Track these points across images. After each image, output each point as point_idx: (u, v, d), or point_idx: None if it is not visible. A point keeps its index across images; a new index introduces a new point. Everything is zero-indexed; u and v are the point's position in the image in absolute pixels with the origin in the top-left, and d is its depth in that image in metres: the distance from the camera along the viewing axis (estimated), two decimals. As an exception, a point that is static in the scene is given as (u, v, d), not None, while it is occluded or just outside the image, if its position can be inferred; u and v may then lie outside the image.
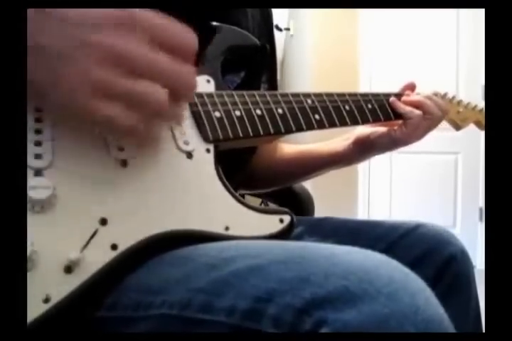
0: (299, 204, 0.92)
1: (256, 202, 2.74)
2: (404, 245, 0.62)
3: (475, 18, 2.66)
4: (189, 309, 0.33)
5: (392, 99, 0.67)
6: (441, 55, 2.78)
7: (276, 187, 0.82)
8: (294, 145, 0.76)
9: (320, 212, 0.97)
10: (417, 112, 0.66)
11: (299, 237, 0.66)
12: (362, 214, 2.75)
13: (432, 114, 0.67)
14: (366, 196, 2.77)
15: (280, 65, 3.07)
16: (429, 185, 2.75)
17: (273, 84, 0.74)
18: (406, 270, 0.33)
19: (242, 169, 0.69)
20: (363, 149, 0.69)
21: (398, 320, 0.28)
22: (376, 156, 0.73)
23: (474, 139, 2.62)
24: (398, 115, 0.67)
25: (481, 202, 2.76)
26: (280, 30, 2.90)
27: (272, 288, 0.31)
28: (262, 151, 0.75)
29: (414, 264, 0.60)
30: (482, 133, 0.79)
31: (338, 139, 0.72)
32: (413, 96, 0.68)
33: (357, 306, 0.28)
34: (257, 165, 0.74)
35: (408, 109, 0.66)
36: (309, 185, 0.95)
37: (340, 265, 0.31)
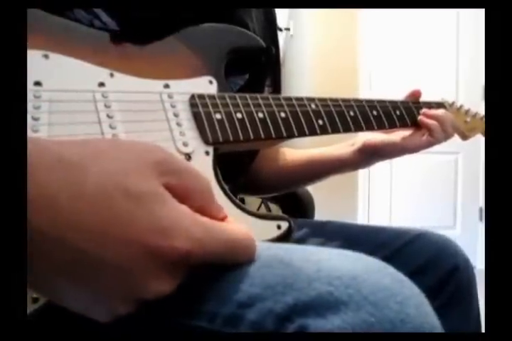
0: (299, 206, 0.92)
1: (256, 202, 2.74)
2: (408, 253, 0.61)
3: (475, 19, 2.66)
4: (177, 314, 0.32)
5: (424, 110, 0.69)
6: (441, 55, 2.78)
7: (282, 191, 0.81)
8: (301, 151, 0.76)
9: (320, 211, 0.97)
10: (439, 128, 0.68)
11: (302, 239, 0.66)
12: (362, 213, 2.75)
13: (446, 132, 0.69)
14: (366, 196, 2.77)
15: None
16: (429, 185, 2.75)
17: (277, 87, 0.73)
18: (398, 276, 0.32)
19: (242, 172, 0.69)
20: (370, 156, 0.70)
21: (384, 329, 0.27)
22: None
23: (474, 139, 2.60)
24: (405, 123, 0.67)
25: (481, 202, 2.76)
26: (280, 30, 2.90)
27: (255, 293, 0.29)
28: (267, 156, 0.75)
29: (416, 273, 0.59)
30: None
31: (343, 145, 0.72)
32: (434, 110, 0.69)
33: (341, 313, 0.27)
34: (261, 170, 0.74)
35: (433, 122, 0.68)
36: (309, 186, 0.95)
37: (327, 270, 0.30)
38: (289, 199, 0.92)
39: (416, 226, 0.69)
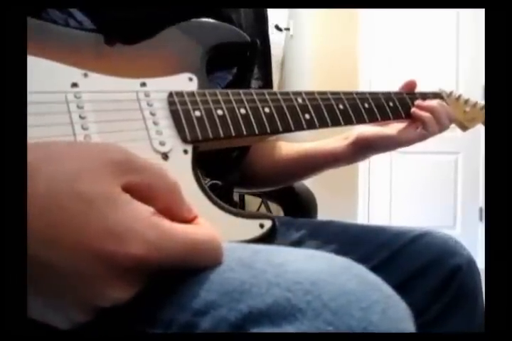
0: (300, 205, 0.91)
1: (256, 202, 2.74)
2: (409, 253, 0.60)
3: (475, 19, 2.66)
4: (135, 321, 0.30)
5: (418, 101, 0.66)
6: (441, 55, 2.78)
7: (277, 186, 0.80)
8: (297, 144, 0.75)
9: (320, 211, 0.97)
10: (432, 120, 0.65)
11: (300, 241, 0.65)
12: (362, 213, 2.75)
13: (440, 124, 0.66)
14: (366, 195, 2.77)
15: (280, 65, 3.06)
16: (429, 185, 2.75)
17: (268, 81, 0.72)
18: (368, 277, 0.29)
19: (234, 169, 0.68)
20: (365, 150, 0.68)
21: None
22: (376, 156, 0.72)
23: (474, 139, 2.62)
24: (399, 115, 0.65)
25: (481, 202, 2.76)
26: (280, 30, 2.89)
27: (211, 300, 0.27)
28: (262, 151, 0.74)
29: (418, 274, 0.58)
30: (482, 133, 0.78)
31: (337, 138, 0.70)
32: (428, 102, 0.67)
33: (296, 322, 0.25)
34: (256, 164, 0.73)
35: (426, 115, 0.65)
36: (309, 185, 0.95)
37: (288, 274, 0.27)
38: (290, 199, 0.90)
39: (416, 226, 0.68)
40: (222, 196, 0.61)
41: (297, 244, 0.64)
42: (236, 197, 2.55)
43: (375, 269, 0.65)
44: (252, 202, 2.77)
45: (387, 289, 0.29)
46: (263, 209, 2.57)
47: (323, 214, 0.93)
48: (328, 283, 0.27)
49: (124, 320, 0.29)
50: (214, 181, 0.49)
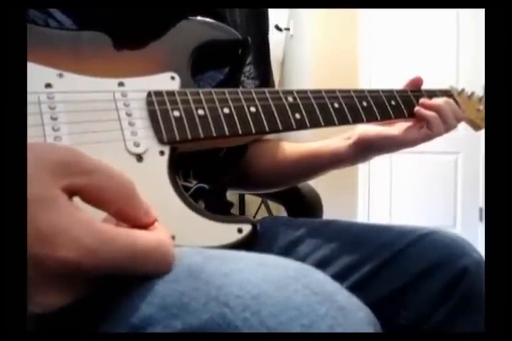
0: (304, 205, 0.90)
1: (256, 201, 2.73)
2: (412, 254, 0.56)
3: (475, 19, 2.66)
4: (73, 333, 0.28)
5: (423, 100, 0.63)
6: (441, 55, 2.78)
7: (279, 187, 0.79)
8: (299, 144, 0.73)
9: (320, 211, 0.97)
10: (438, 120, 0.62)
11: (299, 240, 0.63)
12: (362, 213, 2.75)
13: (446, 123, 0.63)
14: (366, 195, 2.77)
15: (280, 65, 3.06)
16: (429, 185, 2.75)
17: (267, 80, 0.71)
18: (321, 288, 0.26)
19: (225, 169, 0.66)
20: (367, 150, 0.65)
21: None
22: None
23: (474, 139, 2.62)
24: (401, 114, 0.62)
25: (481, 202, 2.76)
26: (280, 30, 2.90)
27: (149, 315, 0.26)
28: (264, 150, 0.73)
29: (422, 275, 0.55)
30: (482, 133, 0.76)
31: (340, 138, 0.68)
32: (433, 100, 0.64)
33: None
34: (258, 164, 0.72)
35: (431, 114, 0.62)
36: (308, 181, 0.94)
37: (231, 286, 0.25)
38: (295, 200, 0.88)
39: (416, 226, 0.65)
40: (213, 198, 0.59)
41: (295, 243, 0.62)
42: (236, 197, 2.56)
43: (377, 269, 0.63)
44: (252, 202, 2.77)
45: (343, 299, 0.26)
46: (263, 210, 2.57)
47: (323, 214, 0.92)
48: (270, 296, 0.25)
49: (66, 329, 0.28)
50: (200, 184, 0.47)
